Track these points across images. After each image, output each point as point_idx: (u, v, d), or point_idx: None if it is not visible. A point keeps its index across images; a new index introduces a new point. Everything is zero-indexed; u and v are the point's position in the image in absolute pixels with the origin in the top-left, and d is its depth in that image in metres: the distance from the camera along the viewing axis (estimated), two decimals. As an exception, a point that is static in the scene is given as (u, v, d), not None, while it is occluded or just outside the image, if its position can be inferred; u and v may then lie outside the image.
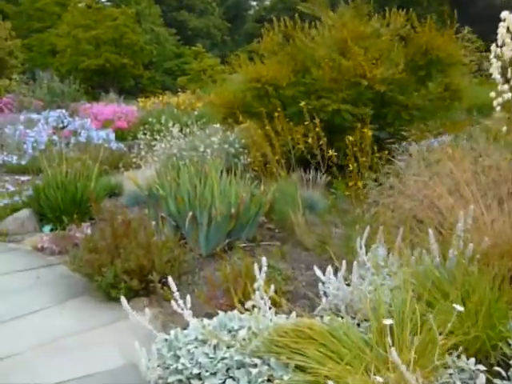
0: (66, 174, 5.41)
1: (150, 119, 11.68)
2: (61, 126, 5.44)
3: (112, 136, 5.10)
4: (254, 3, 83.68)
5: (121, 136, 11.08)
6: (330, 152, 4.60)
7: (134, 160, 7.81)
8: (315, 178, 5.93)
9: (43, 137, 5.00)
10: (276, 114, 5.62)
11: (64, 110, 5.46)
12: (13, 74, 18.94)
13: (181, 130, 7.47)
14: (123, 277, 3.31)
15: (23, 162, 6.45)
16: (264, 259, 2.81)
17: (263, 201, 4.48)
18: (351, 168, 3.99)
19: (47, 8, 36.20)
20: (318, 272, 3.22)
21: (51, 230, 5.26)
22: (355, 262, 3.28)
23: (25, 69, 23.60)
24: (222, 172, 5.03)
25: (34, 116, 5.54)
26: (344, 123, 6.18)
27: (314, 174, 5.93)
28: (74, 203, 5.31)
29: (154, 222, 4.57)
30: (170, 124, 8.05)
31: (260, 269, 2.68)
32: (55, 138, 5.21)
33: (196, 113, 10.41)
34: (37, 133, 5.32)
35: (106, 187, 6.35)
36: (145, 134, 7.54)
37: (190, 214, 4.16)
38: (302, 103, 5.94)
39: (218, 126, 7.32)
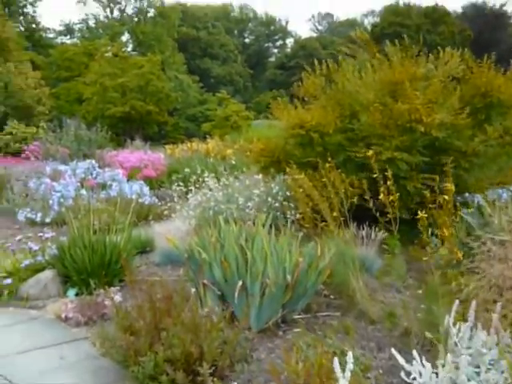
0: (94, 231, 4.87)
1: (185, 169, 11.33)
2: (89, 177, 4.92)
3: (146, 190, 4.57)
4: (276, 50, 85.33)
5: (149, 185, 10.65)
6: (391, 208, 3.97)
7: (166, 212, 7.30)
8: (369, 233, 5.32)
9: (70, 191, 4.49)
10: (326, 164, 5.04)
11: (94, 161, 4.92)
12: (40, 122, 18.94)
13: (217, 180, 6.93)
14: (166, 367, 2.69)
15: (48, 220, 5.99)
16: (350, 355, 2.19)
17: (322, 266, 3.84)
18: (422, 224, 3.35)
19: (76, 58, 36.95)
20: (400, 359, 2.56)
21: (76, 294, 4.69)
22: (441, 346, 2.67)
23: (52, 116, 23.77)
24: (268, 229, 4.44)
25: (61, 167, 5.00)
26: (398, 173, 5.58)
27: (368, 229, 5.32)
28: (103, 264, 4.75)
29: (193, 290, 3.98)
30: (206, 174, 7.54)
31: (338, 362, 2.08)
32: (84, 192, 4.66)
33: (233, 162, 9.88)
34: (63, 186, 4.81)
35: (136, 244, 5.82)
36: (179, 185, 7.02)
37: (240, 283, 3.55)
38: (354, 151, 5.39)
39: (257, 175, 6.75)
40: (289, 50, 79.52)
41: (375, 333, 3.75)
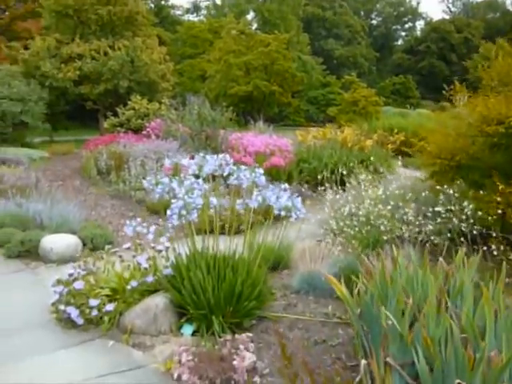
0: (224, 258, 3.63)
1: (316, 160, 9.92)
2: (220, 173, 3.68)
3: (299, 204, 3.20)
4: (404, 33, 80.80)
5: (276, 175, 9.39)
6: None
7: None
8: None
9: (196, 201, 3.25)
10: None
11: (227, 156, 3.61)
12: (163, 98, 18.44)
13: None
14: None
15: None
16: None
17: None
18: None
19: (201, 35, 36.77)
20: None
21: (194, 333, 3.49)
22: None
23: (175, 93, 23.41)
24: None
25: (184, 161, 3.75)
26: None
27: None
28: (231, 296, 3.49)
29: (363, 362, 2.58)
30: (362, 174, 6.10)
31: None
32: (213, 200, 3.39)
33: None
34: (187, 192, 3.61)
35: (268, 256, 4.49)
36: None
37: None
38: None
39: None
40: (418, 33, 74.91)
41: None
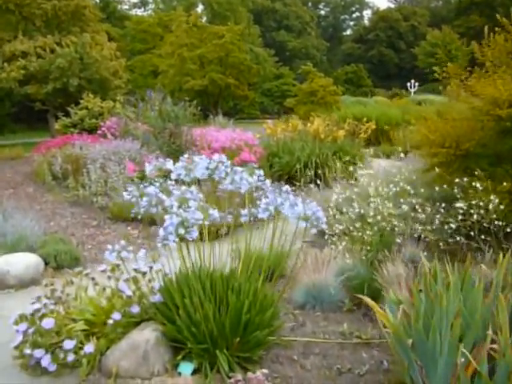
0: (222, 276, 3.03)
1: (289, 154, 9.38)
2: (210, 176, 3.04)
3: (320, 213, 2.61)
4: (352, 23, 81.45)
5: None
6: None
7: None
8: None
9: (197, 217, 2.62)
10: None
11: (224, 156, 2.99)
12: (116, 96, 17.54)
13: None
14: None
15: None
16: None
17: None
18: None
19: (151, 29, 35.68)
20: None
21: (194, 371, 2.89)
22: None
23: (127, 90, 22.42)
24: None
25: (169, 165, 3.11)
26: None
27: None
28: (237, 324, 2.90)
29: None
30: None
31: None
32: (215, 213, 2.75)
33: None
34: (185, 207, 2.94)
35: (261, 265, 3.91)
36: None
37: None
38: None
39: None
40: (366, 22, 75.51)
41: None
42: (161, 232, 2.70)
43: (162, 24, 37.00)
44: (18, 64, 18.26)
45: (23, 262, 4.59)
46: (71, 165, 9.58)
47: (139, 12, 53.27)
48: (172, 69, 26.84)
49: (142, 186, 3.05)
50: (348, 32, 79.00)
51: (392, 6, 74.96)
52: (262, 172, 3.13)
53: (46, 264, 4.85)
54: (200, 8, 51.61)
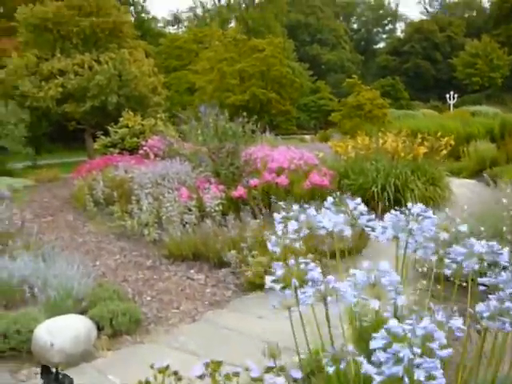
0: None
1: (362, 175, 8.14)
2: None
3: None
4: (385, 36, 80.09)
5: (320, 197, 7.62)
6: None
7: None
8: None
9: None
10: None
11: (358, 200, 1.80)
12: (155, 113, 16.67)
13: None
14: None
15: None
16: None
17: None
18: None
19: (186, 46, 35.07)
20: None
21: None
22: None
23: (165, 108, 21.59)
24: None
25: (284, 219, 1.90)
26: None
27: None
28: None
29: None
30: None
31: None
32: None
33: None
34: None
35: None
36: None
37: None
38: None
39: None
40: (399, 34, 74.08)
41: None
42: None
43: (197, 40, 36.41)
44: (55, 82, 17.59)
45: (71, 331, 3.50)
46: (115, 190, 8.58)
47: (172, 30, 53.10)
48: (211, 84, 25.95)
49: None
50: (381, 45, 77.64)
51: (424, 17, 73.43)
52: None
53: (99, 329, 3.75)
54: (233, 24, 51.21)
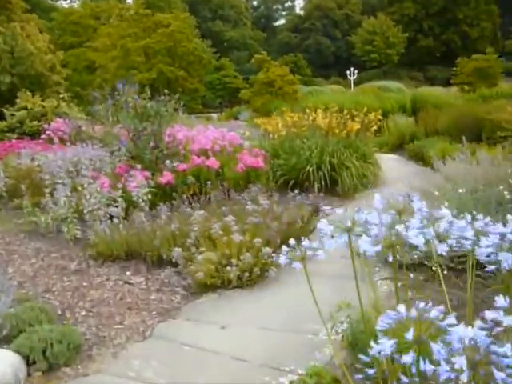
0: None
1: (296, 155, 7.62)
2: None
3: None
4: (284, 13, 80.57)
5: (255, 179, 7.10)
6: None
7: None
8: None
9: None
10: None
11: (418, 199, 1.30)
12: (59, 94, 15.23)
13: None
14: None
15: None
16: None
17: None
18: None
19: (83, 21, 32.83)
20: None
21: None
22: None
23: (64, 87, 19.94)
24: None
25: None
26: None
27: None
28: None
29: None
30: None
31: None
32: None
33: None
34: None
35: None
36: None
37: None
38: None
39: None
40: (299, 11, 74.74)
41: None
42: None
43: (94, 15, 34.24)
44: None
45: (-7, 372, 2.71)
46: (22, 181, 7.51)
47: (65, 4, 49.70)
48: (114, 62, 24.36)
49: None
50: (281, 22, 78.07)
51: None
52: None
53: (29, 364, 2.98)
54: (130, -1, 48.89)
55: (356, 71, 33.79)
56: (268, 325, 3.46)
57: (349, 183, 7.47)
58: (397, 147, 11.91)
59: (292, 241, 1.78)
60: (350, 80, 32.12)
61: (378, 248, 1.28)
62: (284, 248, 1.77)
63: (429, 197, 4.52)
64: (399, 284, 2.31)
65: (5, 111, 12.61)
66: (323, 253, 1.65)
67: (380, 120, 9.26)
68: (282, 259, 1.74)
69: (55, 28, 34.84)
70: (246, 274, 4.11)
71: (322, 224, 1.53)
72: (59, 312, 3.83)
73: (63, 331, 3.14)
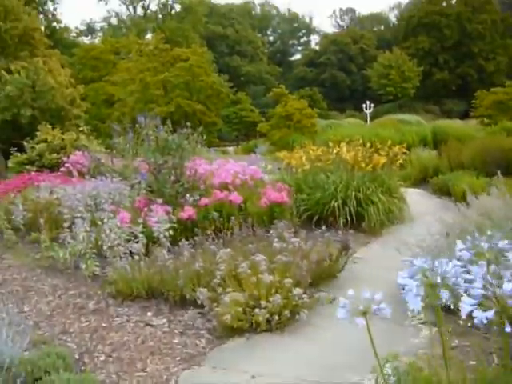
0: None
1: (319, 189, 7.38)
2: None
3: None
4: (300, 48, 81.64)
5: (279, 215, 6.86)
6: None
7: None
8: None
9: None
10: None
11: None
12: (73, 127, 15.33)
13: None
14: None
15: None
16: None
17: None
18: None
19: (102, 56, 33.42)
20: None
21: None
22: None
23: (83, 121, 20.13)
24: None
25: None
26: None
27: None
28: None
29: None
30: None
31: None
32: None
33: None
34: None
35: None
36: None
37: None
38: None
39: None
40: (314, 46, 75.71)
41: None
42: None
43: (114, 50, 34.88)
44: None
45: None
46: (40, 214, 7.36)
47: (86, 40, 50.86)
48: (132, 96, 24.61)
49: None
50: (296, 57, 79.08)
51: (336, 30, 75.61)
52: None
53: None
54: (150, 35, 49.88)
55: (372, 104, 33.80)
56: (303, 375, 3.18)
57: (375, 218, 7.22)
58: (420, 181, 11.64)
59: (350, 291, 1.56)
60: (366, 113, 32.09)
61: (490, 314, 1.04)
62: (342, 300, 1.55)
63: (468, 233, 4.24)
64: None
65: (25, 144, 12.62)
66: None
67: (404, 153, 9.02)
68: (341, 313, 1.51)
69: (76, 63, 35.52)
70: (276, 317, 3.85)
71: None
72: (77, 356, 3.59)
73: (81, 380, 2.90)
